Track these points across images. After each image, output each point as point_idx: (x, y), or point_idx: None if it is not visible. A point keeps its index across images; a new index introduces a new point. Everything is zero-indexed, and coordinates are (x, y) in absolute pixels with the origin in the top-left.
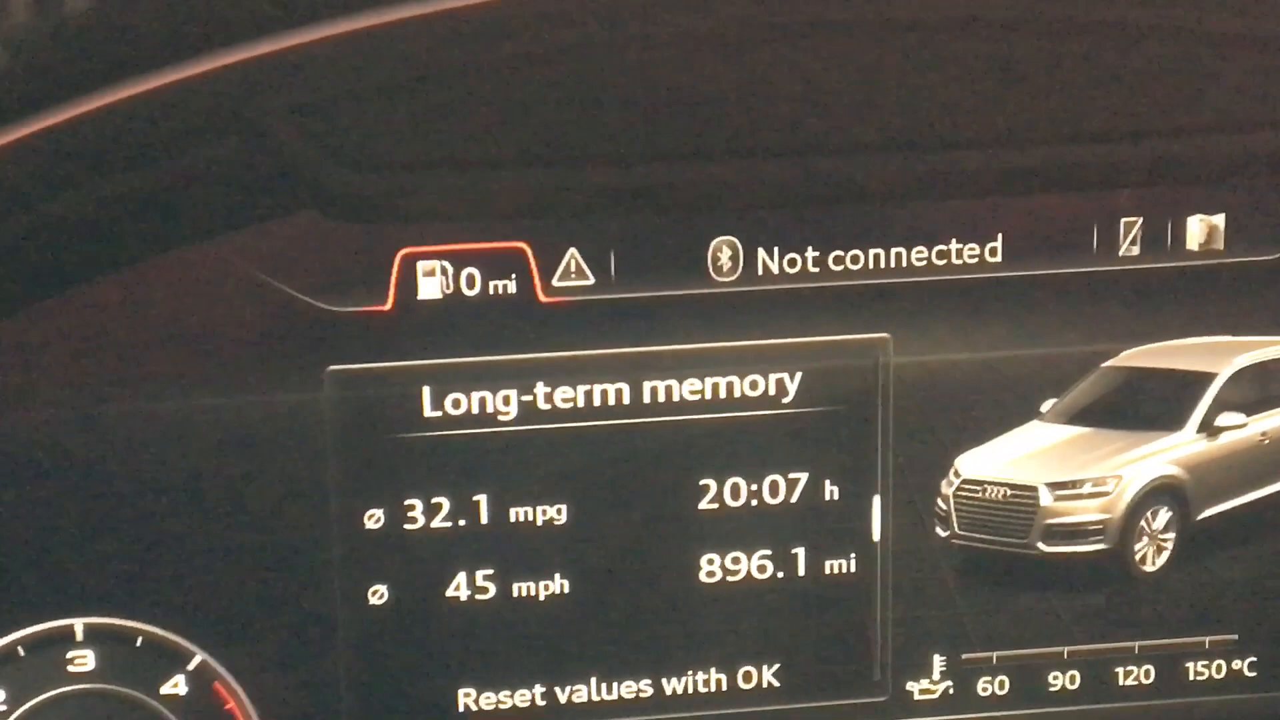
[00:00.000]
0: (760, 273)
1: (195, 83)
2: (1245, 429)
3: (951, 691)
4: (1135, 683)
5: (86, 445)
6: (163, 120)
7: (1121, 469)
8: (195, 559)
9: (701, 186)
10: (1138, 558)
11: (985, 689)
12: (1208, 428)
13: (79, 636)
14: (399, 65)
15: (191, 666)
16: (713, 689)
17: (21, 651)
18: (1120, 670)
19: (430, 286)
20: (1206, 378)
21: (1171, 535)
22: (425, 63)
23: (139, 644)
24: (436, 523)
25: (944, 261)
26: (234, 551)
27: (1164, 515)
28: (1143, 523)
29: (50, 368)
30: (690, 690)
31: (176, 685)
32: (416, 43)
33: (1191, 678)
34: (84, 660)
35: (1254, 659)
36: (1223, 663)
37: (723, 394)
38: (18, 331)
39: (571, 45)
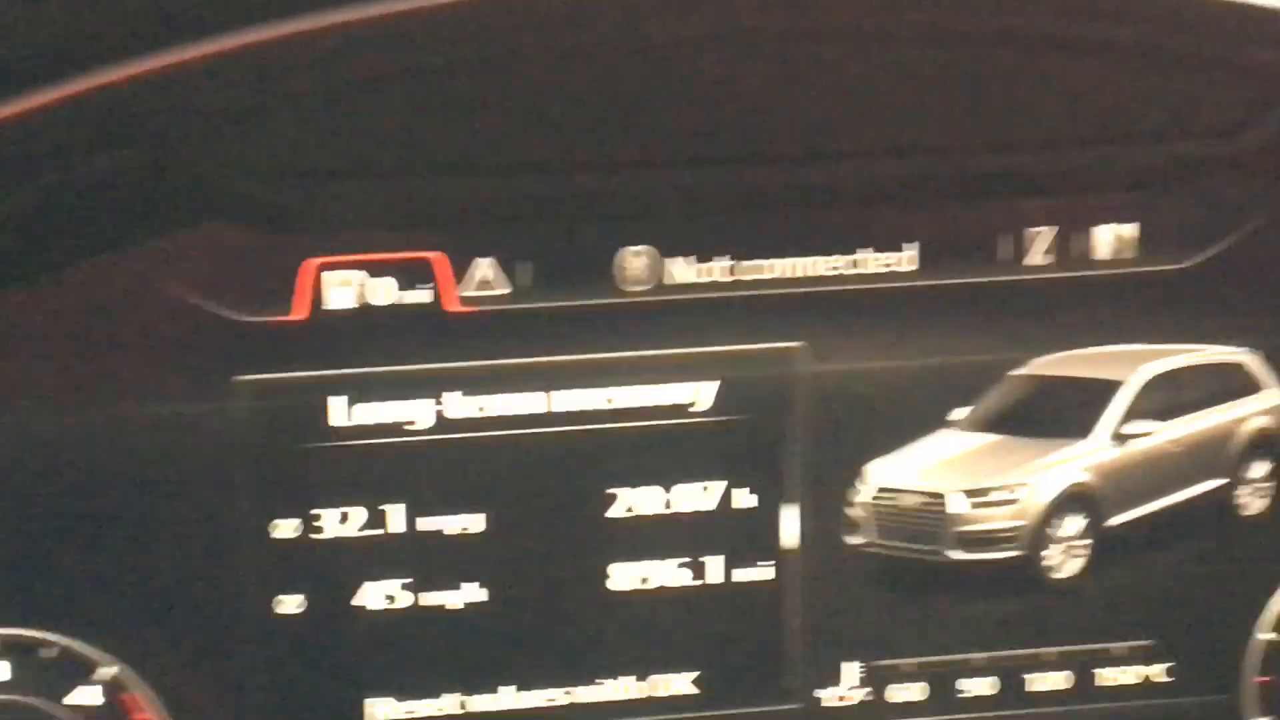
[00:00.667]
0: (674, 282)
1: (97, 93)
2: (1155, 437)
3: (866, 699)
4: (1051, 689)
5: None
6: (65, 131)
7: (1031, 476)
8: (103, 568)
9: (613, 195)
10: (1050, 564)
11: (899, 696)
12: (1117, 436)
13: None
14: (306, 75)
15: (104, 676)
16: (627, 697)
17: None
18: (1036, 676)
19: (341, 296)
20: (1115, 386)
21: (1084, 542)
22: (333, 73)
23: (54, 654)
24: (346, 532)
25: (858, 270)
26: (143, 561)
27: (1075, 522)
28: (1054, 529)
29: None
30: (604, 699)
31: (86, 695)
32: (323, 53)
33: (1107, 683)
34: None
35: (1170, 664)
36: (1140, 668)
37: (636, 403)
38: None
39: (481, 56)
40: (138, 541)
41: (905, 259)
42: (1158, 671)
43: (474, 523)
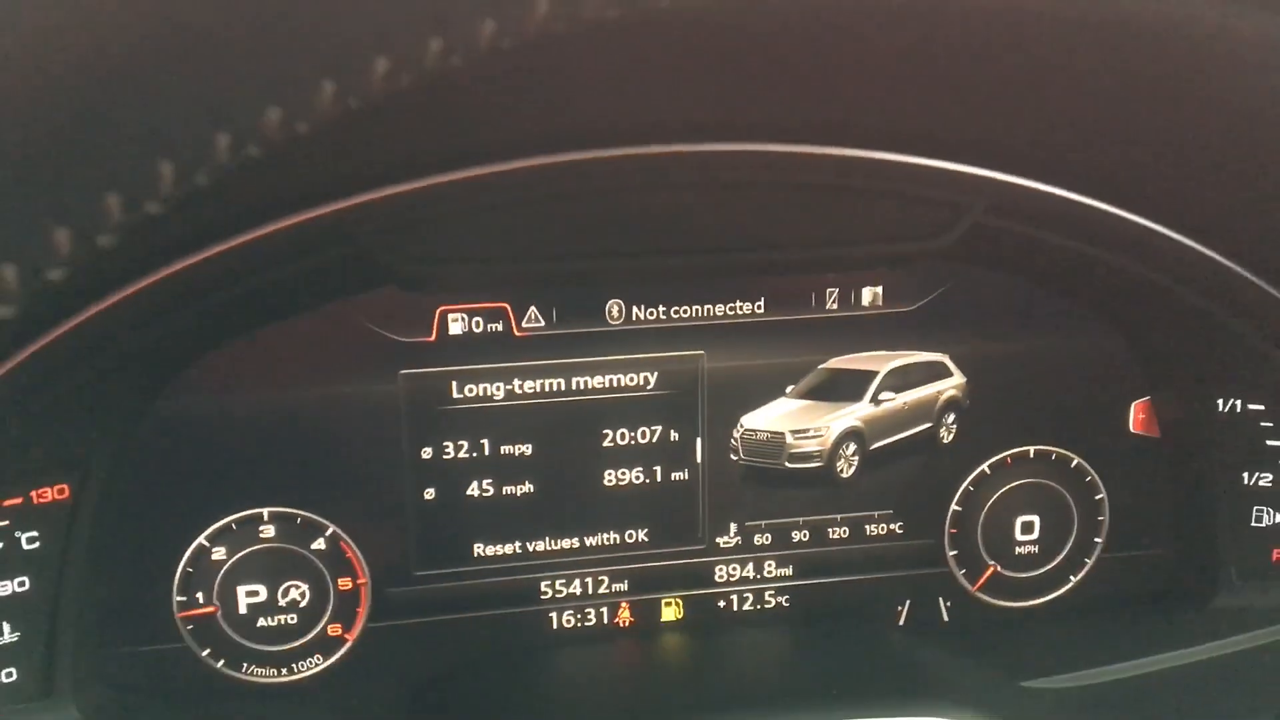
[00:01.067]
0: (635, 319)
1: (322, 218)
2: (895, 400)
3: (739, 542)
4: (838, 537)
5: (267, 416)
6: (308, 237)
7: (829, 422)
8: (329, 476)
9: (602, 272)
10: (838, 470)
11: (758, 541)
12: (875, 400)
13: (265, 517)
14: (437, 207)
15: (328, 533)
16: (614, 542)
17: (234, 526)
18: (832, 530)
19: (456, 327)
20: (874, 374)
21: (856, 458)
22: (453, 207)
23: (298, 521)
24: (460, 455)
25: (733, 312)
26: (348, 471)
27: (852, 446)
28: (840, 450)
29: (249, 372)
30: (599, 544)
31: (320, 544)
32: (447, 196)
33: (870, 533)
34: (267, 531)
35: (901, 523)
36: (885, 525)
37: (616, 384)
38: (237, 352)
39: (530, 198)
40: (346, 460)
41: (758, 306)
42: (897, 527)
43: (526, 449)
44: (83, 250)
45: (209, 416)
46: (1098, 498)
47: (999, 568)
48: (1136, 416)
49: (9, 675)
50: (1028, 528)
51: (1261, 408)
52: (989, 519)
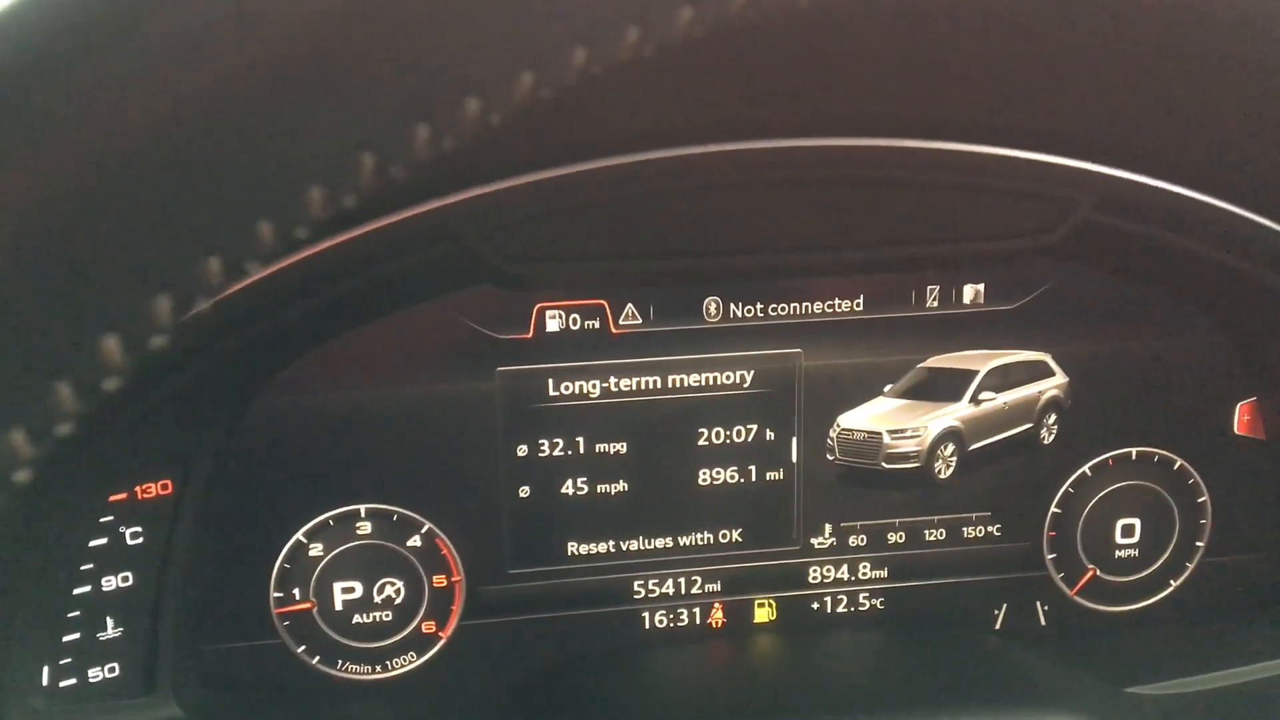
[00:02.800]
0: (732, 316)
1: (424, 214)
2: (995, 400)
3: (834, 544)
4: (935, 539)
5: (365, 413)
6: (417, 230)
7: (927, 423)
8: (425, 474)
9: (699, 270)
10: (936, 470)
11: (853, 542)
12: (974, 400)
13: (362, 514)
14: (535, 204)
15: (424, 530)
16: (707, 542)
17: (331, 523)
18: (928, 532)
19: (553, 324)
20: (974, 373)
21: (954, 459)
22: (552, 205)
23: (394, 518)
24: (555, 453)
25: (831, 309)
26: (445, 468)
27: (950, 447)
28: (938, 451)
29: (348, 369)
30: (693, 544)
31: (415, 541)
32: (547, 193)
33: (967, 535)
34: (364, 527)
35: (999, 525)
36: (983, 528)
37: (712, 382)
38: (336, 350)
39: (628, 196)
40: (443, 457)
41: (856, 304)
42: (995, 529)
43: (621, 448)
44: (237, 272)
45: (308, 414)
46: (1200, 501)
47: (1098, 572)
48: (1241, 419)
49: (111, 670)
50: (1128, 531)
51: None
52: (1089, 522)
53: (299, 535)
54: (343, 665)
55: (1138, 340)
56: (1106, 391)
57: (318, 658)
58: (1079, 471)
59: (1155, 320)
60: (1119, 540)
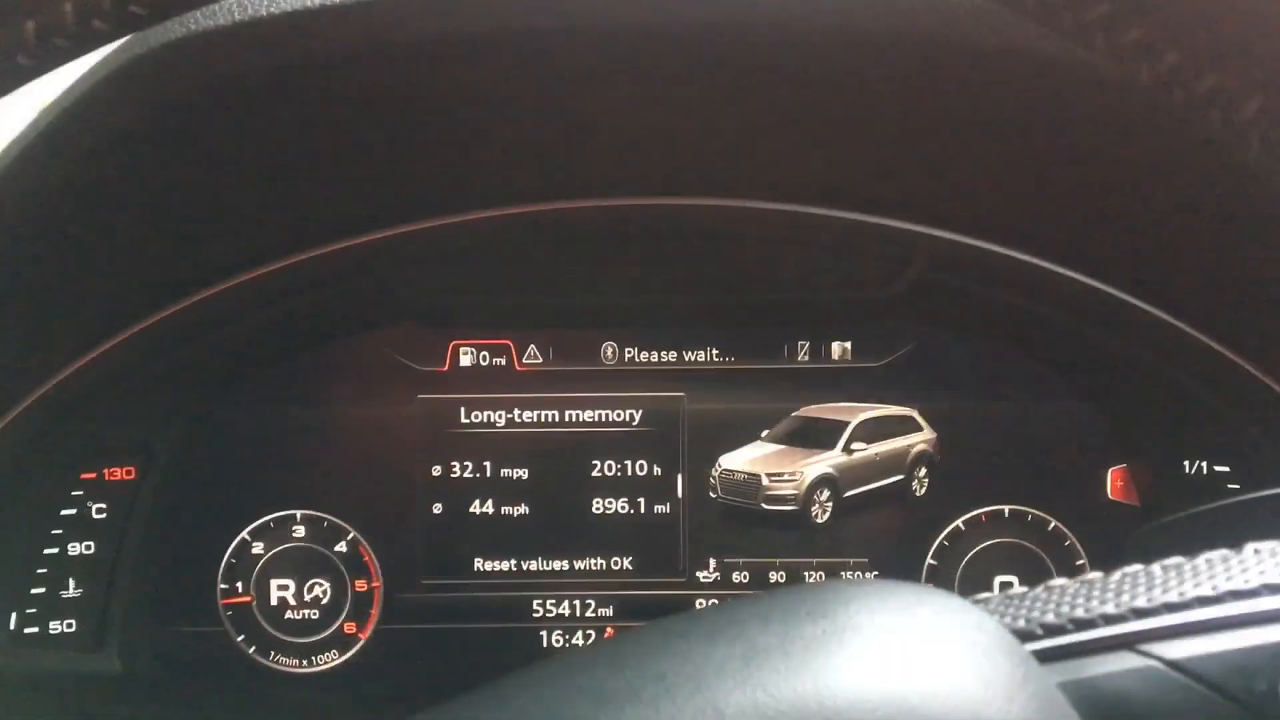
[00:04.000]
0: (626, 360)
1: (352, 250)
2: (866, 450)
3: (718, 578)
4: (814, 579)
5: (304, 427)
6: (333, 268)
7: (803, 468)
8: (352, 485)
9: (595, 315)
10: (813, 514)
11: (736, 579)
12: (847, 449)
13: (298, 518)
14: (448, 246)
15: (349, 537)
16: (600, 568)
17: (271, 524)
18: (808, 574)
19: (466, 359)
20: (845, 424)
21: (831, 504)
22: (463, 247)
23: (325, 524)
24: (465, 474)
25: (708, 359)
26: (370, 482)
27: (826, 492)
28: (814, 496)
29: (290, 388)
30: (587, 569)
31: (342, 547)
32: (457, 236)
33: (843, 579)
34: (299, 530)
35: (877, 573)
36: (861, 574)
37: (605, 419)
38: (282, 369)
39: (529, 243)
40: (368, 471)
41: (734, 354)
42: (871, 576)
43: (524, 474)
44: None
45: (256, 424)
46: (1079, 563)
47: None
48: (1114, 484)
49: (69, 626)
50: (1006, 588)
51: (1228, 469)
52: (966, 576)
53: (244, 533)
54: (275, 657)
55: (1002, 401)
56: (974, 449)
57: (254, 648)
58: (952, 525)
59: (1017, 382)
60: None
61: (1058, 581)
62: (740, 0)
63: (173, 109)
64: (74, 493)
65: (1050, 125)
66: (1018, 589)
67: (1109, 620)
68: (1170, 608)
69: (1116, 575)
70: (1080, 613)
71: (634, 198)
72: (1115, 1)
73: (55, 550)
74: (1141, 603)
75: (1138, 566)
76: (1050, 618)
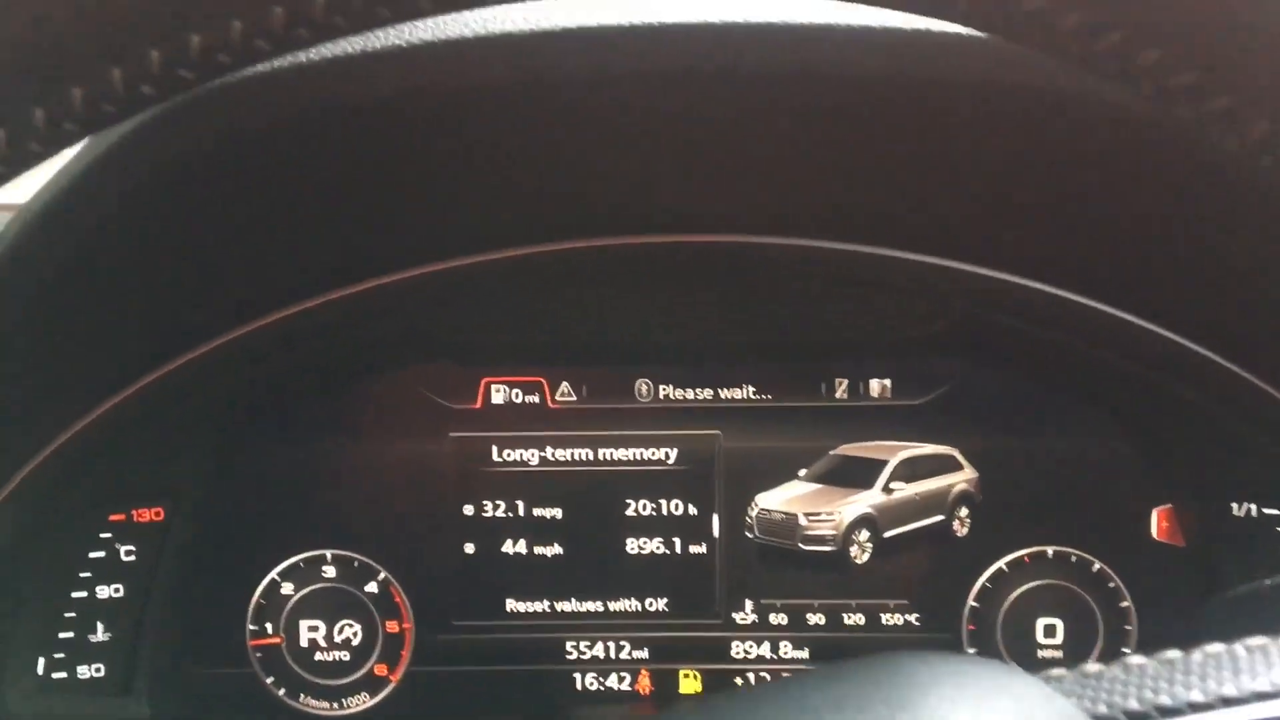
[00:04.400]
0: (660, 397)
1: (383, 289)
2: (906, 490)
3: (755, 620)
4: (853, 623)
5: (335, 466)
6: (364, 309)
7: (841, 507)
8: (384, 525)
9: (630, 353)
10: (852, 555)
11: (774, 620)
12: (886, 488)
13: (328, 558)
14: (483, 288)
15: (380, 578)
16: (635, 610)
17: (301, 564)
18: (847, 616)
19: (498, 396)
20: (884, 462)
21: (870, 545)
22: (495, 285)
23: (355, 564)
24: (498, 514)
25: (744, 396)
26: (402, 521)
27: (865, 533)
28: (853, 536)
29: (323, 426)
30: (623, 609)
31: (373, 587)
32: (496, 277)
33: (885, 622)
34: (329, 571)
35: (918, 615)
36: (901, 616)
37: (639, 457)
38: (313, 407)
39: (566, 280)
40: (400, 511)
41: (770, 391)
42: (913, 618)
43: (557, 513)
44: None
45: (287, 463)
46: (1123, 605)
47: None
48: (1159, 524)
49: (98, 670)
50: (1050, 631)
51: (1276, 512)
52: (1009, 618)
53: (274, 573)
54: (304, 699)
55: (1044, 440)
56: (1017, 489)
57: (283, 690)
58: (995, 567)
59: (1060, 421)
60: (1041, 639)
61: (1136, 660)
62: (784, 45)
63: (203, 153)
64: (102, 535)
65: (1091, 164)
66: (1093, 665)
67: (1196, 708)
68: (1260, 696)
69: (1198, 656)
70: (1166, 700)
71: (668, 235)
72: (1129, 28)
73: (83, 594)
74: (1230, 690)
75: (1220, 647)
76: (1134, 704)
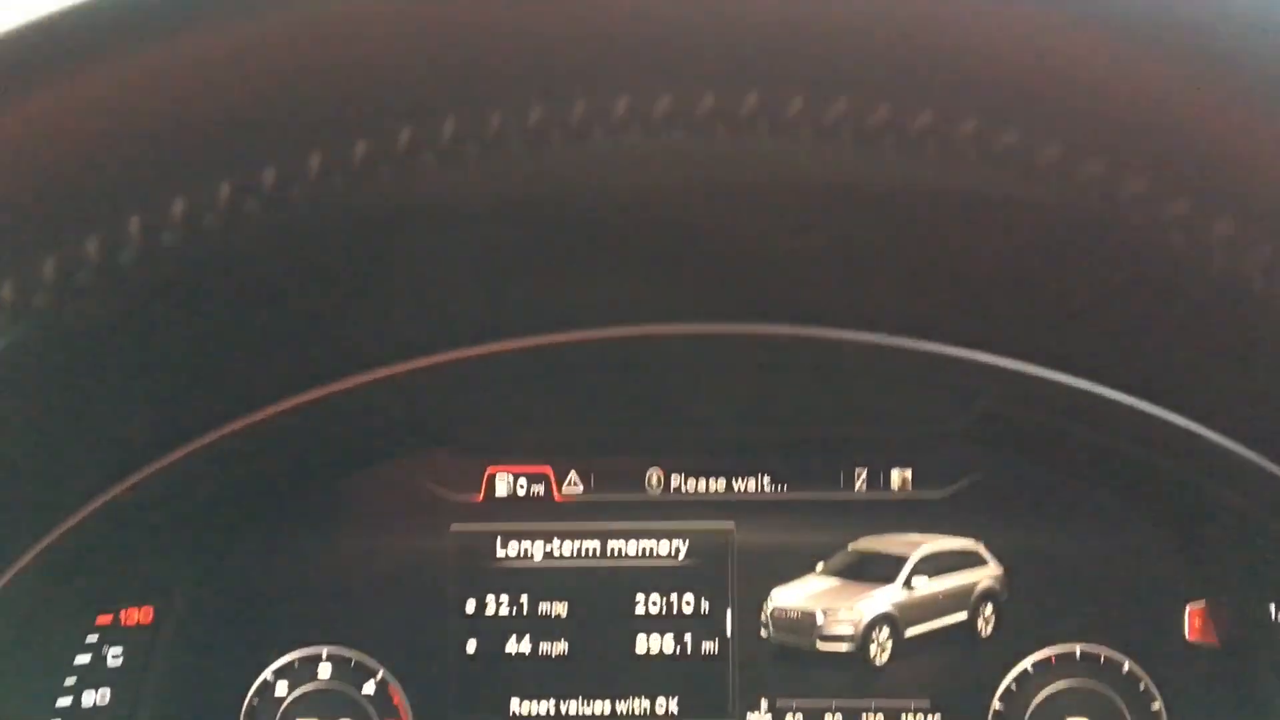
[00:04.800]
0: (672, 489)
1: (383, 379)
2: (928, 586)
3: None
4: None
5: (330, 561)
6: (363, 400)
7: (860, 605)
8: (382, 622)
9: (640, 442)
10: (871, 654)
11: None
12: (907, 584)
13: (324, 657)
14: (485, 374)
15: (378, 677)
16: (644, 711)
17: (295, 664)
18: (864, 717)
19: (501, 488)
20: (905, 558)
21: (890, 643)
22: (502, 376)
23: (352, 664)
24: (501, 611)
25: (759, 488)
26: (400, 618)
27: (886, 631)
28: (873, 634)
29: (317, 520)
30: (632, 711)
31: (370, 688)
32: (501, 367)
33: None
34: (324, 670)
35: (939, 717)
36: (921, 718)
37: (649, 552)
38: (306, 501)
39: (575, 369)
40: (398, 608)
41: (787, 483)
42: (936, 718)
43: (563, 610)
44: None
45: (279, 558)
46: (1154, 708)
47: None
48: (1193, 623)
49: None
50: None
51: None
52: None
53: (267, 673)
54: None
55: (1074, 534)
56: (1044, 585)
57: None
58: (1020, 667)
59: (1090, 514)
60: None
61: None
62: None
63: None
64: (89, 638)
65: (1124, 262)
66: None
67: None
68: None
69: None
70: None
71: (681, 325)
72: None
73: (68, 701)
74: None
75: None
76: None
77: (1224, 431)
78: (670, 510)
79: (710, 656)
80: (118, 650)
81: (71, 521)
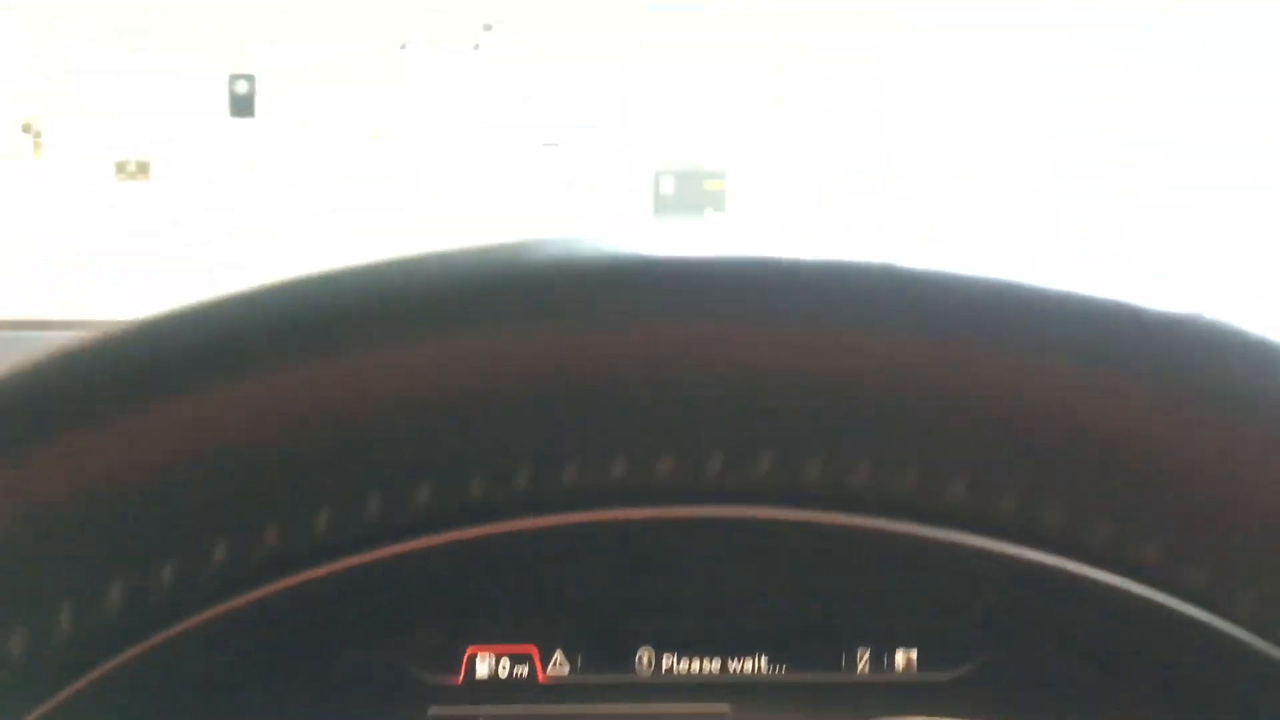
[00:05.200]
0: (664, 670)
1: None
2: None
3: None
4: None
5: None
6: (336, 587)
7: None
8: None
9: (630, 622)
10: None
11: None
12: None
13: None
14: (471, 564)
15: None
16: None
17: None
18: None
19: (483, 668)
20: None
21: None
22: (481, 555)
23: None
24: None
25: (756, 668)
26: None
27: None
28: None
29: (291, 701)
30: None
31: None
32: (475, 547)
33: None
34: None
35: None
36: None
37: None
38: (279, 684)
39: (562, 551)
40: None
41: (786, 664)
42: None
43: None
44: None
45: None
46: None
47: None
48: None
49: None
50: None
51: None
52: None
53: None
54: None
55: None
56: None
57: None
58: None
59: (1105, 704)
60: None
61: None
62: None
63: None
64: None
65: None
66: None
67: None
68: None
69: None
70: None
71: (675, 507)
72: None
73: None
74: None
75: None
76: None
77: (1247, 627)
78: (662, 692)
79: None
80: None
81: (46, 706)
